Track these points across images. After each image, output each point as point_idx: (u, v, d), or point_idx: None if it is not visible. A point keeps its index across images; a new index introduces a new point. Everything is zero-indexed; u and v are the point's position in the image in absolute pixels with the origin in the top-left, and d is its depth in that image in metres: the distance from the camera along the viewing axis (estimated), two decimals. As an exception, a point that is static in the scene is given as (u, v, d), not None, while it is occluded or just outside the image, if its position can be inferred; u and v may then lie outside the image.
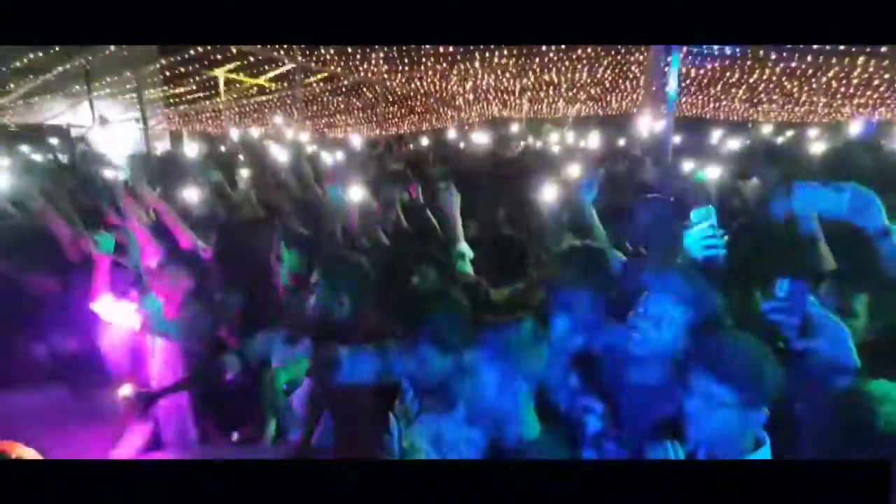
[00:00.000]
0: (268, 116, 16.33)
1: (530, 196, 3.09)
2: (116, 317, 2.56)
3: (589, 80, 14.03)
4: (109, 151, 13.19)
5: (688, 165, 4.76)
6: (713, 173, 3.68)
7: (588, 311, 1.74)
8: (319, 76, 11.83)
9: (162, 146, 16.25)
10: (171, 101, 12.92)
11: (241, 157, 6.49)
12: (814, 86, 12.65)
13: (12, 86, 10.28)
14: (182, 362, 2.47)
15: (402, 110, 18.34)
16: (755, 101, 16.31)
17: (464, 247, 2.74)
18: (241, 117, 16.06)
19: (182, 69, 10.83)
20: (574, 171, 4.67)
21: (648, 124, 7.31)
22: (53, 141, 14.88)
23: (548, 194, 2.89)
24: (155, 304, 2.44)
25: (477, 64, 11.07)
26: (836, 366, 1.39)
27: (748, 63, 10.78)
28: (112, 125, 14.93)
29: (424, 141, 9.41)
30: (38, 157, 7.19)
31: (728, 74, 12.05)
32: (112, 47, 9.07)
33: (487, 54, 10.18)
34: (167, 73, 11.38)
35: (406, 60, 10.33)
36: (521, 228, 3.18)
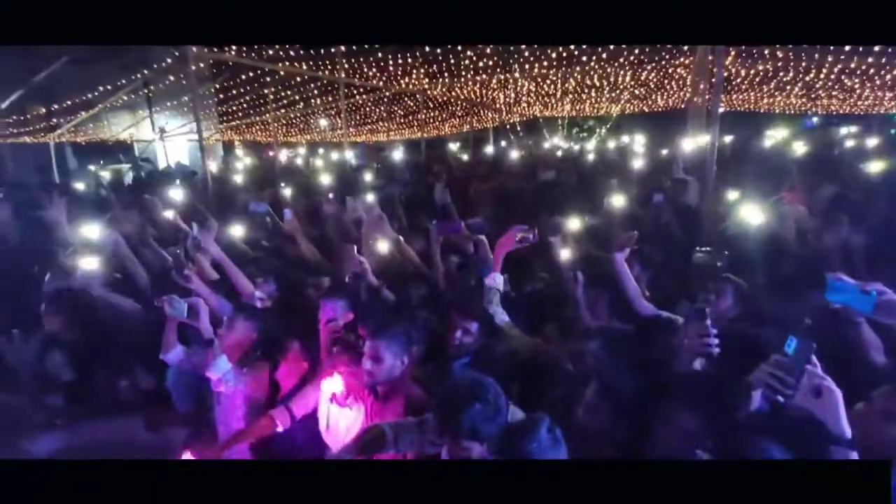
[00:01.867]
0: (313, 124, 16.87)
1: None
2: (186, 365, 2.85)
3: (633, 83, 13.74)
4: (169, 164, 13.99)
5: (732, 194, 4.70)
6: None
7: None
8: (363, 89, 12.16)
9: (214, 158, 17.10)
10: (225, 115, 13.57)
11: (285, 185, 6.80)
12: (877, 82, 11.94)
13: (81, 108, 11.09)
14: (243, 409, 2.72)
15: (443, 115, 18.50)
16: (812, 96, 15.50)
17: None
18: (287, 128, 16.65)
19: (235, 88, 11.38)
20: (618, 200, 4.67)
21: (692, 143, 7.18)
22: (121, 157, 15.95)
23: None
24: (223, 360, 2.68)
25: (517, 73, 11.08)
26: (828, 432, 1.41)
27: (803, 63, 10.30)
28: (170, 137, 15.88)
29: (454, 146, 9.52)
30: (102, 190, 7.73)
31: (781, 74, 11.54)
32: (168, 62, 9.65)
33: (527, 65, 10.18)
34: (222, 95, 11.99)
35: (446, 72, 10.47)
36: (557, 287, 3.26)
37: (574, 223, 3.84)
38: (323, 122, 16.77)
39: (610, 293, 2.81)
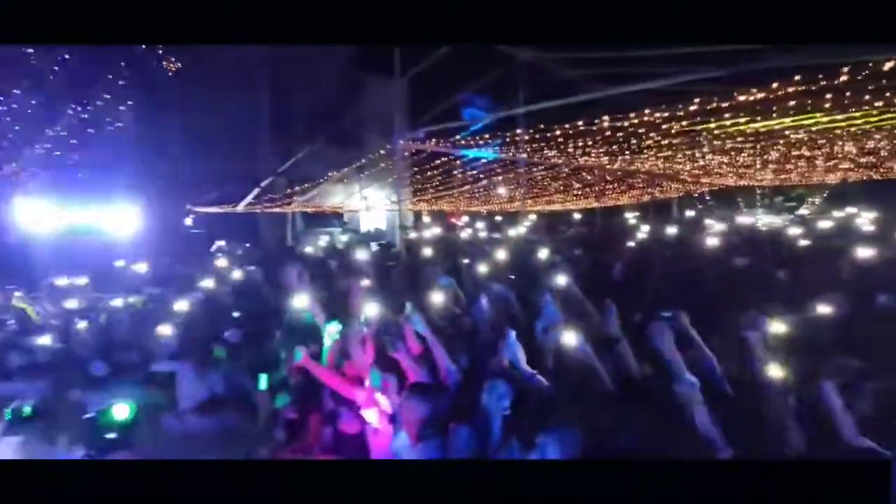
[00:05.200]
0: (493, 196, 18.08)
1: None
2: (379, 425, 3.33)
3: (857, 152, 11.92)
4: (369, 229, 16.26)
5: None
6: None
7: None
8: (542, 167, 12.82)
9: (406, 225, 19.29)
10: (418, 191, 15.45)
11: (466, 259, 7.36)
12: None
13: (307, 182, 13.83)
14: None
15: (621, 186, 18.22)
16: None
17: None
18: (470, 200, 18.12)
19: (429, 171, 13.02)
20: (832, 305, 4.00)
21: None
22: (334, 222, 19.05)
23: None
24: (401, 436, 3.06)
25: (706, 149, 10.55)
26: None
27: None
28: (374, 207, 18.55)
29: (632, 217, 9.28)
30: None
31: None
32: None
33: (717, 142, 9.65)
34: (418, 176, 13.76)
35: (627, 151, 10.50)
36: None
37: (775, 325, 3.41)
38: (502, 191, 17.87)
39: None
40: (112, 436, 3.95)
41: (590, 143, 9.51)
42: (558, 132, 8.39)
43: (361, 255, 7.78)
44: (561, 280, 4.81)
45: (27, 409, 4.77)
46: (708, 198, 24.50)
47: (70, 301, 6.56)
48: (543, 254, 7.83)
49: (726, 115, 7.40)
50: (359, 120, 18.02)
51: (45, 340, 5.71)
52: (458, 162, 11.75)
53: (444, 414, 3.07)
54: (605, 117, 8.02)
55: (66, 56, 9.86)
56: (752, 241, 9.14)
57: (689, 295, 5.39)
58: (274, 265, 7.49)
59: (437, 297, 4.91)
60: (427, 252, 9.35)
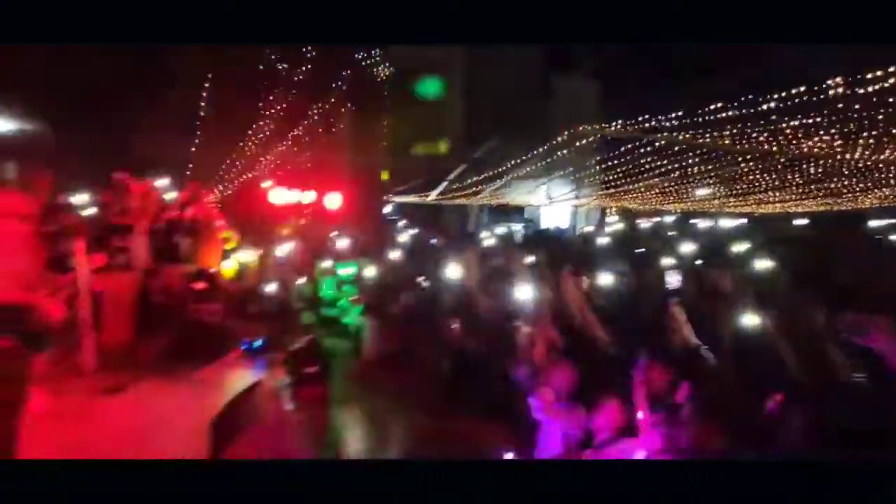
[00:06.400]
0: (688, 192, 16.32)
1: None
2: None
3: None
4: (549, 226, 16.26)
5: None
6: None
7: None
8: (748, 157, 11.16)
9: (591, 222, 18.74)
10: (604, 183, 14.81)
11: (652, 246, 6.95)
12: None
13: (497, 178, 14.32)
14: (558, 438, 3.02)
15: (865, 183, 14.71)
16: None
17: None
18: (662, 196, 16.66)
19: (616, 159, 12.39)
20: None
21: None
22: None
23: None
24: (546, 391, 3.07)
25: None
26: None
27: None
28: (556, 202, 18.45)
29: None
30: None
31: None
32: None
33: None
34: (604, 165, 13.20)
35: (866, 135, 8.41)
36: None
37: None
38: (700, 192, 16.03)
39: None
40: (309, 369, 4.80)
41: (818, 120, 7.75)
42: (772, 104, 6.75)
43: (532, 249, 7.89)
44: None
45: (257, 344, 6.05)
46: None
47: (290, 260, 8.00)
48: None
49: None
50: (546, 115, 18.05)
51: (271, 292, 7.11)
52: (645, 150, 10.81)
53: (589, 382, 3.04)
54: (837, 79, 5.88)
55: (308, 66, 12.11)
56: None
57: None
58: (455, 244, 8.06)
59: (606, 279, 4.90)
60: (604, 241, 9.02)
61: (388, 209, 15.83)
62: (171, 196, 7.35)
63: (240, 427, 3.20)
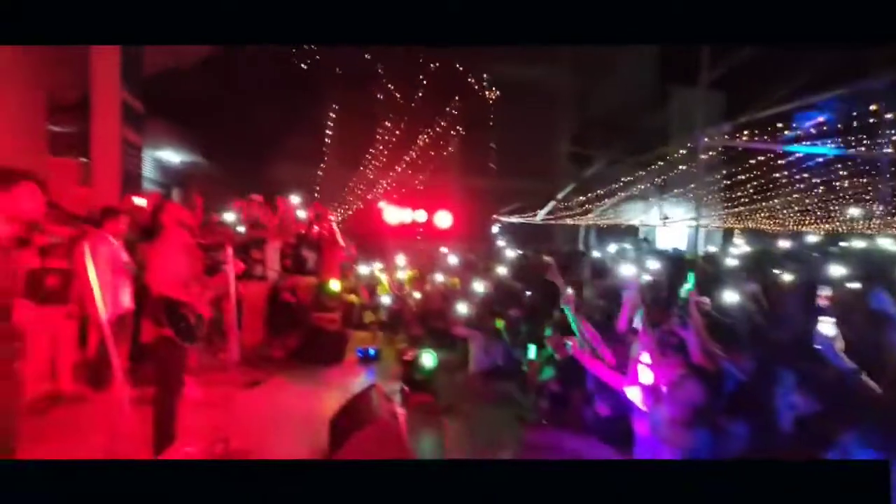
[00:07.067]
0: (837, 211, 14.36)
1: None
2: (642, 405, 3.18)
3: None
4: (666, 246, 15.26)
5: None
6: None
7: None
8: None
9: (712, 245, 17.25)
10: (729, 201, 13.60)
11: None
12: None
13: (606, 198, 13.80)
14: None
15: None
16: None
17: None
18: (801, 215, 14.88)
19: (742, 174, 11.34)
20: None
21: None
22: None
23: None
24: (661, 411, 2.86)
25: None
26: None
27: None
28: (672, 223, 17.24)
29: None
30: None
31: None
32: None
33: None
34: (728, 181, 12.17)
35: None
36: None
37: None
38: (854, 211, 14.00)
39: None
40: (419, 377, 4.98)
41: None
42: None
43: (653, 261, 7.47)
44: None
45: (372, 352, 6.41)
46: None
47: (404, 275, 8.38)
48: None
49: None
50: (659, 129, 17.14)
51: (387, 302, 7.51)
52: (782, 163, 9.70)
53: (715, 405, 2.79)
54: None
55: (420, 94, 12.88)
56: None
57: None
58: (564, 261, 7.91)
59: (732, 295, 4.53)
60: (733, 262, 8.25)
61: (495, 228, 15.94)
62: (300, 215, 8.11)
63: (354, 427, 3.38)
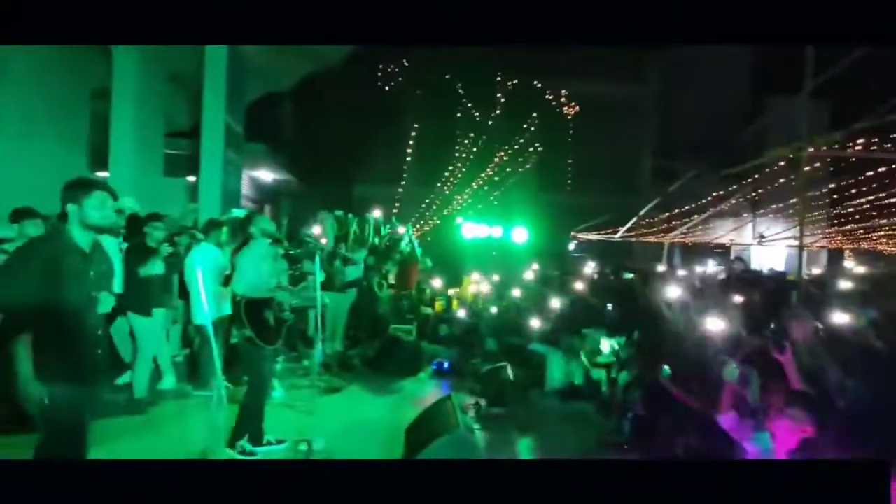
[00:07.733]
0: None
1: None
2: (738, 433, 2.92)
3: None
4: (764, 266, 14.07)
5: None
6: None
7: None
8: None
9: (816, 266, 15.68)
10: (837, 218, 12.34)
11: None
12: None
13: (695, 215, 13.00)
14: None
15: None
16: None
17: None
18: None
19: (854, 188, 10.25)
20: None
21: None
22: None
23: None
24: (765, 441, 2.61)
25: None
26: None
27: None
28: (768, 243, 15.88)
29: None
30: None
31: None
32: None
33: None
34: (836, 196, 11.07)
35: None
36: None
37: None
38: None
39: None
40: (494, 392, 4.92)
41: None
42: None
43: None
44: None
45: (446, 365, 6.43)
46: None
47: (480, 290, 8.39)
48: None
49: None
50: (752, 141, 15.99)
51: (462, 316, 7.53)
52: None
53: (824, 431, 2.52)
54: None
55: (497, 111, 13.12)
56: None
57: None
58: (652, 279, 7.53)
59: (841, 317, 4.07)
60: (845, 285, 7.42)
61: (572, 245, 15.56)
62: (383, 230, 8.43)
63: (429, 437, 3.40)
